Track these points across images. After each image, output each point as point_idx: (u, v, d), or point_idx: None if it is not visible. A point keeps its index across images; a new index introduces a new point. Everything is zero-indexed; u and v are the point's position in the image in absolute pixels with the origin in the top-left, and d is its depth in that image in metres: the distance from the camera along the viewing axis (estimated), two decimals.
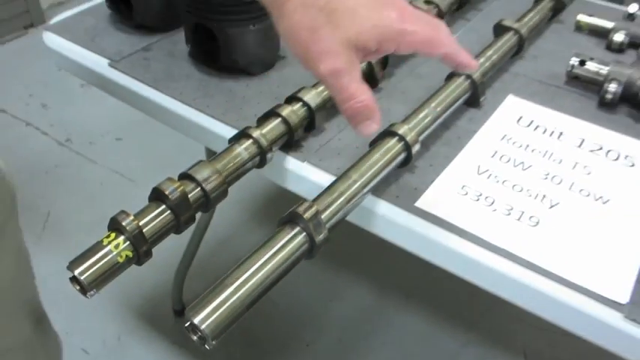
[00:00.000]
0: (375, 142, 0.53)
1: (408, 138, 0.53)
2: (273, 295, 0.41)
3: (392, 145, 0.53)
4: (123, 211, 0.43)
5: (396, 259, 1.26)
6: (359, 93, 0.38)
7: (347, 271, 1.42)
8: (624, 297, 0.44)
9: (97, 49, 0.73)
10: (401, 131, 0.53)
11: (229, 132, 0.58)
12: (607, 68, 0.66)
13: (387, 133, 0.54)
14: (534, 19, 0.77)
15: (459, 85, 0.63)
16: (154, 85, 0.67)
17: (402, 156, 0.53)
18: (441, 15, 0.77)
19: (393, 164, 0.52)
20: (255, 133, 0.53)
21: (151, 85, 0.67)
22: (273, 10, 0.39)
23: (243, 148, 0.52)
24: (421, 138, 0.55)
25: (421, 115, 0.57)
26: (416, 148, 0.54)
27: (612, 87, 0.64)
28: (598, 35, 0.79)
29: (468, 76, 0.63)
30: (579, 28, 0.82)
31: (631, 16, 0.79)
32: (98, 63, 0.71)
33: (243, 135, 0.53)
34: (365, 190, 0.49)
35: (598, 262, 0.47)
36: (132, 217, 0.43)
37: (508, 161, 0.57)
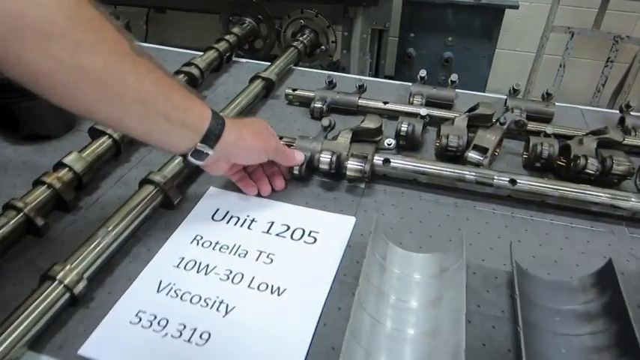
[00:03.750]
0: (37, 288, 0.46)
1: (67, 281, 0.46)
2: None
3: (48, 292, 0.45)
4: None
5: None
6: (289, 151, 0.62)
7: None
8: None
9: None
10: (60, 275, 0.46)
11: None
12: (293, 144, 0.66)
13: (46, 277, 0.47)
14: (243, 101, 0.76)
15: (148, 194, 0.57)
16: None
17: (64, 299, 0.46)
18: None
19: (50, 314, 0.45)
20: None
21: None
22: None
23: None
24: (87, 274, 0.48)
25: (90, 248, 0.50)
26: (80, 288, 0.47)
27: None
28: (306, 105, 0.80)
29: (157, 184, 0.58)
30: (290, 101, 0.82)
31: (331, 84, 0.81)
32: None
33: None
34: (18, 345, 0.42)
35: None
36: None
37: (193, 267, 0.52)
